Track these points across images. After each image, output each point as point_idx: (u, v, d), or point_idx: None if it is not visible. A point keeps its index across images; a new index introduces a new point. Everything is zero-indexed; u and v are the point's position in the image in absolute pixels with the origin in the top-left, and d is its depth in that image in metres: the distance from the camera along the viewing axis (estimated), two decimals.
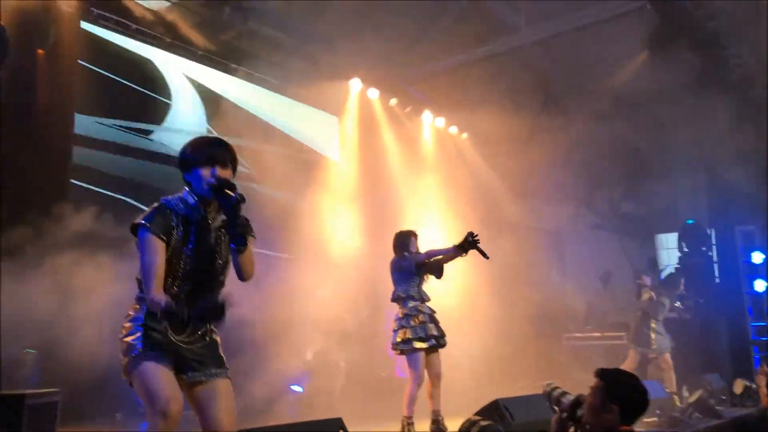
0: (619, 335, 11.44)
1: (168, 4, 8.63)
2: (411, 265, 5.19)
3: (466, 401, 7.68)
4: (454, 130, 11.69)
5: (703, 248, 10.12)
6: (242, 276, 2.67)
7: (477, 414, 4.46)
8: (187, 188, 2.64)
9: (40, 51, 6.43)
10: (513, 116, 12.97)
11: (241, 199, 2.50)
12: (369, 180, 9.96)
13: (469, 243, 5.03)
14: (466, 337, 8.32)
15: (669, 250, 15.96)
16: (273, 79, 9.03)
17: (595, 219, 16.15)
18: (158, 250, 2.50)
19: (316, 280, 7.94)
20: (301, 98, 9.24)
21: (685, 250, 10.40)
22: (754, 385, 6.52)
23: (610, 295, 13.09)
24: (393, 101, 10.36)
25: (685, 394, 7.12)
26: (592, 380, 2.76)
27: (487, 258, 5.08)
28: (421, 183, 10.64)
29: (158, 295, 2.44)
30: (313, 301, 7.60)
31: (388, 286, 5.71)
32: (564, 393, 2.89)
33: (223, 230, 2.64)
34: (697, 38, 8.71)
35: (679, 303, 8.88)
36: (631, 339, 8.18)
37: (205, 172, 2.56)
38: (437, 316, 5.30)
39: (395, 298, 5.29)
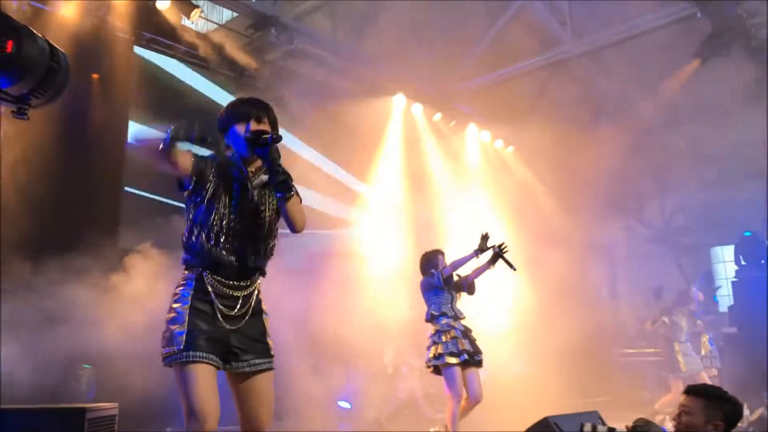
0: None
1: (215, 26, 8.89)
2: (439, 281, 5.21)
3: (516, 418, 7.57)
4: (500, 143, 11.61)
5: (762, 261, 9.76)
6: (293, 226, 2.57)
7: (528, 431, 4.37)
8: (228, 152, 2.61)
9: (94, 75, 6.67)
10: (560, 129, 12.83)
11: (277, 139, 2.44)
12: (414, 195, 9.97)
13: (496, 254, 5.08)
14: (516, 353, 8.21)
15: (725, 263, 15.47)
16: (317, 96, 9.14)
17: (647, 232, 15.78)
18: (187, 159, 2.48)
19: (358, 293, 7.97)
20: (345, 115, 9.33)
21: (743, 263, 10.05)
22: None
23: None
24: (437, 116, 10.37)
25: (746, 412, 6.84)
26: (645, 396, 2.71)
27: (514, 269, 5.09)
28: (466, 197, 10.59)
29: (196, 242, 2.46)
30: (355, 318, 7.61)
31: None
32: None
33: (266, 189, 2.57)
34: (751, 46, 8.47)
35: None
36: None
37: (240, 128, 2.53)
38: (475, 333, 5.30)
39: (429, 318, 5.30)
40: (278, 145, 2.46)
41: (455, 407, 4.87)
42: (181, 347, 2.37)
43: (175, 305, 2.48)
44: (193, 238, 2.47)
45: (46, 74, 2.45)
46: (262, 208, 2.53)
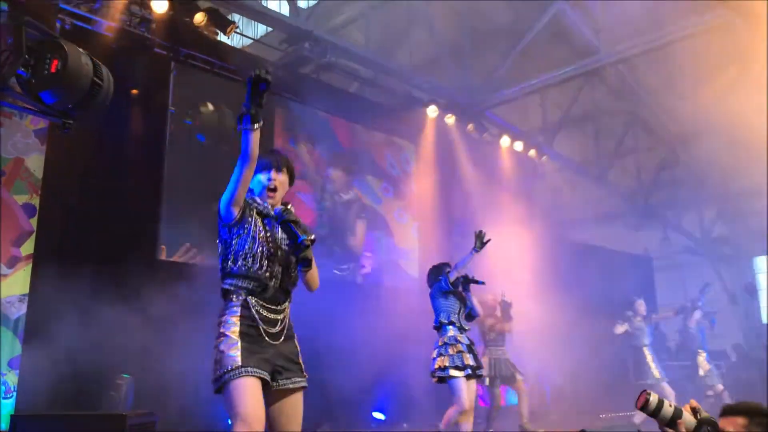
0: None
1: (250, 41, 9.05)
2: (447, 284, 5.34)
3: (552, 428, 7.48)
4: (533, 153, 11.54)
5: None
6: (309, 289, 2.89)
7: None
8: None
9: (133, 91, 6.83)
10: (595, 137, 12.71)
11: (311, 242, 2.71)
12: (447, 205, 9.95)
13: (482, 243, 5.36)
14: (551, 365, 8.11)
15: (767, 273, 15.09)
16: (350, 109, 9.22)
17: (686, 242, 15.49)
18: (233, 232, 2.76)
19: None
20: (378, 127, 9.39)
21: None
22: None
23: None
24: (470, 127, 10.36)
25: None
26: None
27: (483, 284, 5.59)
28: (500, 207, 10.52)
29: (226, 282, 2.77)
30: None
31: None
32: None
33: (288, 228, 2.79)
34: None
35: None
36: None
37: (263, 178, 2.86)
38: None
39: (437, 326, 5.42)
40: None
41: (454, 413, 5.07)
42: (235, 365, 2.55)
43: (223, 330, 2.67)
44: (238, 264, 2.72)
45: (89, 90, 2.53)
46: (281, 239, 2.83)
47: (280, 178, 2.89)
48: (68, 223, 6.30)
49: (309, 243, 2.69)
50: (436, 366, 5.17)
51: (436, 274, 5.59)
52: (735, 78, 9.26)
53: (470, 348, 5.28)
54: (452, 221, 10.03)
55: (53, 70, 2.37)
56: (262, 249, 2.72)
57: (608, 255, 13.13)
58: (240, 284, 2.71)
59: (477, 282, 5.50)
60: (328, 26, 9.08)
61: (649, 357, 7.86)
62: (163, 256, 6.87)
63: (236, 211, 2.72)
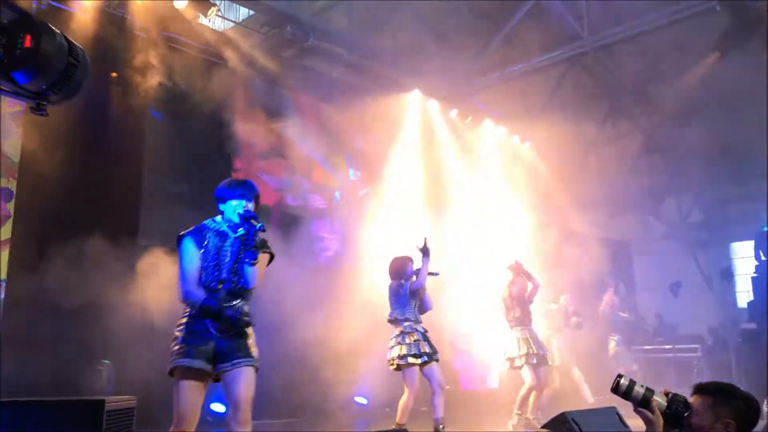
0: (693, 347, 11.03)
1: (232, 24, 8.93)
2: (406, 292, 5.70)
3: (533, 411, 7.56)
4: (516, 139, 11.57)
5: None
6: (247, 282, 3.43)
7: (544, 426, 4.37)
8: (220, 216, 3.53)
9: (113, 74, 6.73)
10: (577, 124, 12.75)
11: (262, 229, 3.38)
12: (430, 190, 9.96)
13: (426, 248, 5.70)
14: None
15: (744, 258, 15.31)
16: (333, 93, 9.16)
17: (665, 228, 15.67)
18: (193, 256, 3.38)
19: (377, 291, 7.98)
20: (361, 111, 9.33)
21: (762, 258, 9.93)
22: None
23: (680, 306, 12.63)
24: (453, 112, 10.35)
25: (765, 408, 6.76)
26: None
27: (437, 275, 5.84)
28: (482, 192, 10.56)
29: (195, 291, 3.32)
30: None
31: (450, 295, 5.91)
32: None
33: (237, 243, 3.45)
34: None
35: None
36: None
37: (236, 204, 3.45)
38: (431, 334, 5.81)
39: (392, 320, 5.76)
40: None
41: (409, 399, 5.43)
42: (177, 362, 3.32)
43: (177, 333, 3.42)
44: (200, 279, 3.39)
45: (64, 70, 2.47)
46: (237, 254, 3.44)
47: (251, 207, 3.49)
48: (46, 208, 6.20)
49: (263, 230, 3.37)
50: (395, 354, 5.51)
51: (399, 272, 5.82)
52: (715, 65, 9.31)
53: (425, 336, 5.65)
54: (434, 206, 10.04)
55: (27, 44, 2.31)
56: (215, 264, 3.39)
57: (588, 240, 13.23)
58: (195, 294, 3.37)
59: (432, 274, 5.75)
60: (311, 9, 8.99)
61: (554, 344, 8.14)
62: (144, 238, 6.81)
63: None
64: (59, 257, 5.88)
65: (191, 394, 3.28)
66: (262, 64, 8.08)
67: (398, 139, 9.81)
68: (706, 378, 9.71)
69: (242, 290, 3.41)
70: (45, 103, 2.56)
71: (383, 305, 6.67)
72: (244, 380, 3.29)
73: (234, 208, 3.44)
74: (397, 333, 5.62)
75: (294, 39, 8.15)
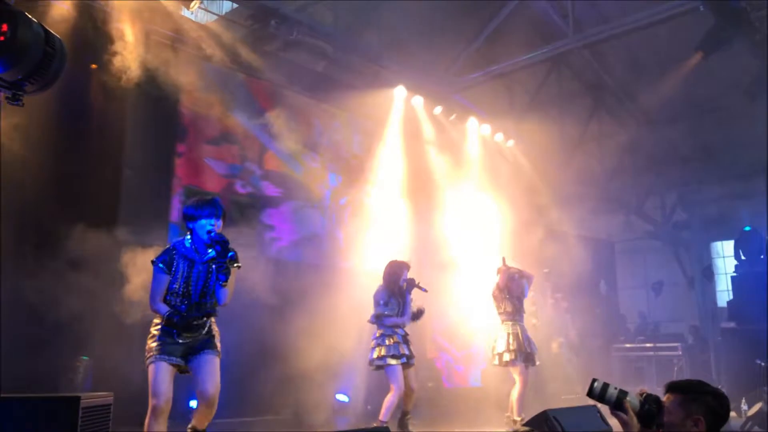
0: (673, 346, 11.12)
1: (215, 17, 8.83)
2: (380, 309, 5.87)
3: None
4: (500, 137, 11.58)
5: (761, 256, 9.72)
6: (219, 301, 3.89)
7: (526, 424, 4.38)
8: (189, 234, 3.82)
9: (93, 65, 6.61)
10: (561, 123, 12.80)
11: (236, 259, 3.86)
12: (413, 187, 9.94)
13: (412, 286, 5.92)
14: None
15: (725, 258, 15.47)
16: (318, 88, 9.10)
17: (647, 227, 15.79)
18: (162, 280, 3.77)
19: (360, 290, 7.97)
20: (345, 107, 9.28)
21: (742, 258, 10.02)
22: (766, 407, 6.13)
23: (662, 305, 12.74)
24: (438, 109, 10.33)
25: (744, 407, 6.84)
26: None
27: (426, 291, 5.98)
28: (466, 190, 10.56)
29: (161, 306, 3.76)
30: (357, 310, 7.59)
31: (431, 293, 5.90)
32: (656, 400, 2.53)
33: (211, 266, 3.81)
34: (755, 40, 8.41)
35: None
36: None
37: (206, 223, 3.73)
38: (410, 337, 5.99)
39: (374, 321, 5.91)
40: None
41: (394, 398, 5.55)
42: (153, 355, 3.77)
43: (153, 331, 3.84)
44: (168, 297, 3.81)
45: (41, 60, 2.41)
46: (208, 277, 3.83)
47: (219, 224, 3.79)
48: (24, 202, 6.09)
49: (236, 258, 3.84)
50: (375, 355, 5.70)
51: (391, 277, 5.95)
52: (699, 65, 9.37)
53: (405, 338, 5.83)
54: (417, 202, 10.03)
55: (3, 29, 2.25)
56: (180, 285, 3.78)
57: (571, 239, 13.30)
58: (165, 310, 3.80)
59: (421, 289, 5.93)
60: (295, 4, 8.91)
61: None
62: (123, 233, 6.71)
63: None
64: (36, 253, 5.79)
65: (166, 377, 3.74)
66: (245, 57, 8.00)
67: (382, 134, 9.77)
68: (686, 376, 9.81)
69: (212, 307, 3.87)
70: (21, 93, 2.50)
71: (364, 302, 6.67)
72: (210, 366, 3.81)
73: (203, 227, 3.74)
74: (378, 334, 5.80)
75: (278, 33, 8.08)
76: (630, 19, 8.88)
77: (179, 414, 6.62)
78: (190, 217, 3.78)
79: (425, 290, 5.95)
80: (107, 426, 4.50)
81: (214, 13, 8.83)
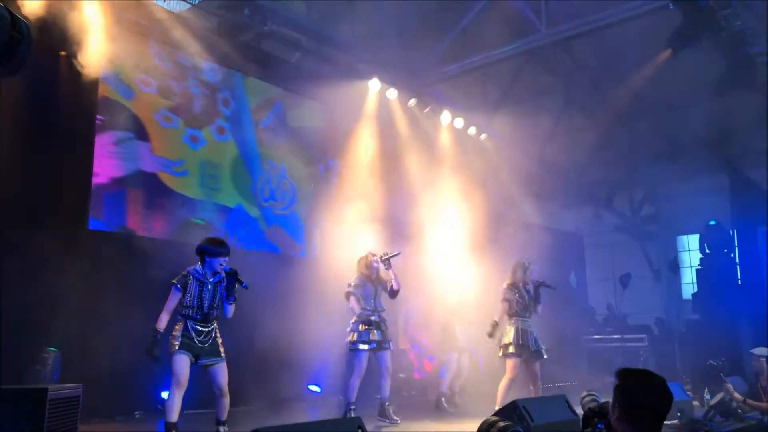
0: (640, 337, 11.33)
1: (188, 6, 8.71)
2: (372, 291, 6.37)
3: (484, 402, 7.67)
4: (473, 130, 11.64)
5: (725, 250, 9.95)
6: (226, 315, 5.06)
7: (495, 414, 4.42)
8: (200, 263, 4.92)
9: (62, 53, 6.49)
10: (533, 117, 12.91)
11: (245, 287, 5.00)
12: (386, 180, 9.95)
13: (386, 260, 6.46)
14: (483, 338, 8.29)
15: (691, 251, 15.79)
16: (291, 79, 9.05)
17: (616, 221, 16.04)
18: (175, 298, 4.88)
19: (331, 281, 7.97)
20: (319, 99, 9.24)
21: (707, 251, 10.24)
22: (727, 397, 6.33)
23: (629, 297, 12.95)
24: (412, 102, 10.34)
25: (707, 396, 7.02)
26: (611, 381, 2.58)
27: (398, 254, 6.53)
28: (438, 183, 10.60)
29: (160, 321, 4.85)
30: (331, 301, 7.60)
31: (407, 286, 5.97)
32: (593, 400, 2.61)
33: (217, 287, 4.96)
34: (722, 37, 8.58)
35: None
36: None
37: (222, 261, 4.89)
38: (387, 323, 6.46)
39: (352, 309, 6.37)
40: None
41: (354, 380, 6.05)
42: (176, 349, 4.81)
43: (175, 333, 4.87)
44: (183, 309, 4.90)
45: (6, 44, 2.36)
46: (215, 295, 4.98)
47: (227, 259, 4.96)
48: None
49: (245, 287, 4.99)
50: (348, 339, 6.17)
51: (367, 267, 6.46)
52: (667, 62, 9.52)
53: (378, 325, 6.22)
54: (389, 194, 10.05)
55: None
56: (196, 301, 4.89)
57: (542, 232, 13.45)
58: (185, 315, 4.92)
59: (389, 258, 6.44)
60: None
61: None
62: (94, 224, 6.63)
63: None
64: (4, 241, 5.68)
65: (185, 365, 4.76)
66: (219, 47, 7.93)
67: (356, 126, 9.75)
68: (651, 367, 10.00)
69: (217, 318, 5.01)
70: None
71: (336, 292, 6.74)
72: (223, 371, 4.95)
73: (219, 262, 4.86)
74: (353, 321, 6.21)
75: (251, 23, 8.01)
76: (602, 15, 8.99)
77: (153, 406, 6.62)
78: (207, 253, 4.86)
79: (398, 253, 6.47)
80: (75, 418, 4.46)
81: (186, 2, 8.71)
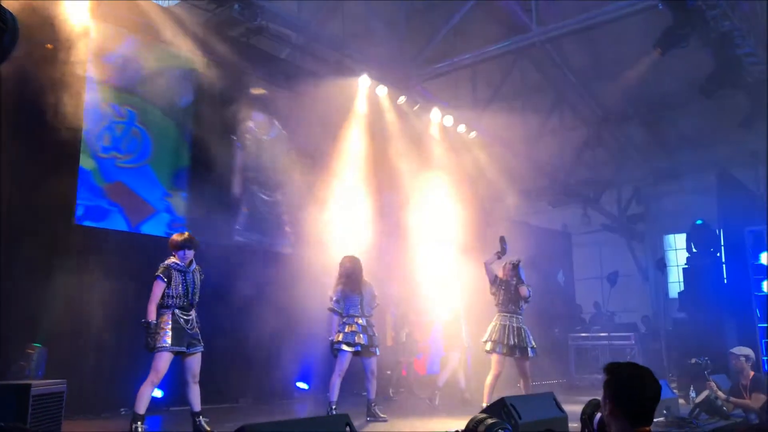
0: (627, 335, 11.38)
1: (177, 1, 8.65)
2: (357, 299, 6.39)
3: (472, 400, 7.69)
4: (462, 128, 11.65)
5: (712, 249, 10.02)
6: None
7: (483, 412, 4.42)
8: (174, 256, 5.15)
9: (48, 45, 6.41)
10: (523, 116, 12.95)
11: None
12: (376, 177, 9.95)
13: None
14: (471, 337, 8.31)
15: (678, 250, 15.90)
16: (281, 75, 9.01)
17: (603, 220, 16.12)
18: (160, 290, 5.03)
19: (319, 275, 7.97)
20: (309, 95, 9.20)
21: (694, 250, 10.30)
22: (712, 395, 6.37)
23: (616, 295, 13.02)
24: (401, 99, 10.33)
25: (692, 394, 7.07)
26: (598, 379, 2.60)
27: None
28: (427, 181, 10.61)
29: (150, 314, 4.98)
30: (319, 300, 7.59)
31: (393, 282, 5.94)
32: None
33: (194, 275, 5.25)
34: (710, 38, 8.62)
35: None
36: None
37: (188, 252, 5.18)
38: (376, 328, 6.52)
39: (333, 309, 6.40)
40: None
41: (335, 378, 6.14)
42: (163, 343, 4.96)
43: (163, 323, 5.03)
44: (169, 299, 5.06)
45: None
46: (195, 282, 5.24)
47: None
48: None
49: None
50: (334, 340, 6.22)
51: (345, 275, 6.47)
52: (657, 63, 9.57)
53: (365, 329, 6.28)
54: (379, 191, 10.05)
55: None
56: (178, 290, 5.11)
57: (530, 230, 13.50)
58: (170, 304, 5.09)
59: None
60: None
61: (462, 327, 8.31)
62: (79, 219, 6.56)
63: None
64: None
65: (168, 363, 4.96)
66: (208, 42, 7.88)
67: (345, 122, 9.73)
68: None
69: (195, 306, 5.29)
70: None
71: (320, 291, 6.76)
72: (199, 359, 5.18)
73: (186, 254, 5.16)
74: (340, 322, 6.29)
75: (241, 18, 7.97)
76: (592, 14, 9.01)
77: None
78: (177, 247, 5.14)
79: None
80: (59, 414, 4.42)
81: None
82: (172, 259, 5.14)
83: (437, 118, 11.09)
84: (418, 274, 9.82)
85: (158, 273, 5.05)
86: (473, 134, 11.89)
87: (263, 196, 8.83)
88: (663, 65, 9.95)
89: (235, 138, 8.42)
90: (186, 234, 5.30)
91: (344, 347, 6.16)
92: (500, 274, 6.62)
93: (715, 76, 9.20)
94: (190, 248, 5.20)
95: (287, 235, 9.07)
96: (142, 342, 4.95)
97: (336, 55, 9.71)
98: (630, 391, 2.34)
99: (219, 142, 7.93)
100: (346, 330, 6.21)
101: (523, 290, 6.43)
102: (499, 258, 6.52)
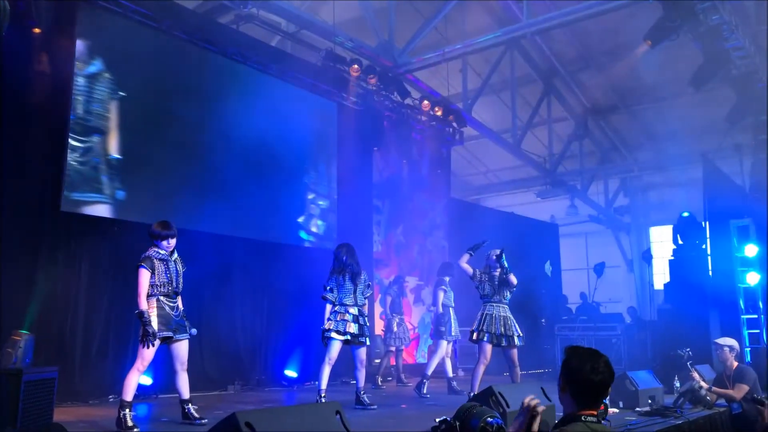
0: (612, 326, 11.49)
1: None
2: (351, 288, 6.37)
3: (459, 388, 7.74)
4: (452, 119, 11.65)
5: (697, 241, 10.10)
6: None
7: (472, 399, 4.46)
8: (154, 246, 5.08)
9: (36, 30, 6.33)
10: (511, 107, 12.98)
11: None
12: (363, 165, 9.94)
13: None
14: (461, 324, 8.37)
15: (663, 242, 16.04)
16: (270, 62, 8.96)
17: (590, 211, 16.23)
18: (146, 279, 4.96)
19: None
20: (299, 83, 9.16)
21: (680, 242, 10.39)
22: (696, 385, 6.47)
23: (602, 286, 13.12)
24: (392, 89, 10.32)
25: (677, 384, 7.15)
26: None
27: None
28: (416, 170, 10.62)
29: (142, 304, 4.91)
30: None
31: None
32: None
33: (176, 263, 5.19)
34: (699, 31, 8.68)
35: None
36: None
37: (170, 241, 5.13)
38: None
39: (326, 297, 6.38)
40: None
41: (325, 368, 6.13)
42: (152, 332, 4.86)
43: (152, 312, 4.96)
44: (153, 288, 4.99)
45: None
46: (177, 270, 5.18)
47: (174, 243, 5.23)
48: None
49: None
50: (324, 327, 6.20)
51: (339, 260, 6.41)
52: (646, 55, 9.62)
53: (356, 318, 6.25)
54: (369, 182, 10.05)
55: None
56: (162, 278, 5.05)
57: (518, 221, 13.58)
58: (156, 292, 5.03)
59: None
60: None
61: (453, 316, 8.27)
62: (66, 205, 6.51)
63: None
64: None
65: (153, 353, 4.91)
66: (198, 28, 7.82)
67: (333, 111, 9.70)
68: (623, 355, 10.19)
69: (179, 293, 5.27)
70: None
71: (310, 279, 6.73)
72: (187, 346, 5.17)
73: (168, 243, 5.12)
74: (332, 310, 6.26)
75: (231, 5, 7.92)
76: (582, 6, 9.04)
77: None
78: (157, 236, 5.08)
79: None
80: (51, 400, 4.41)
81: None
82: (153, 249, 5.08)
83: (427, 109, 11.07)
84: (405, 264, 9.85)
85: (140, 263, 5.01)
86: (462, 125, 11.90)
87: None
88: (651, 58, 10.01)
89: None
90: (166, 222, 5.22)
91: (334, 336, 6.14)
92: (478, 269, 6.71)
93: (703, 69, 9.26)
94: (172, 237, 5.15)
95: (273, 222, 9.04)
96: (139, 335, 4.92)
97: (326, 43, 9.68)
98: (578, 374, 2.41)
99: None
100: (337, 318, 6.19)
101: (513, 278, 6.52)
102: (471, 255, 6.66)
